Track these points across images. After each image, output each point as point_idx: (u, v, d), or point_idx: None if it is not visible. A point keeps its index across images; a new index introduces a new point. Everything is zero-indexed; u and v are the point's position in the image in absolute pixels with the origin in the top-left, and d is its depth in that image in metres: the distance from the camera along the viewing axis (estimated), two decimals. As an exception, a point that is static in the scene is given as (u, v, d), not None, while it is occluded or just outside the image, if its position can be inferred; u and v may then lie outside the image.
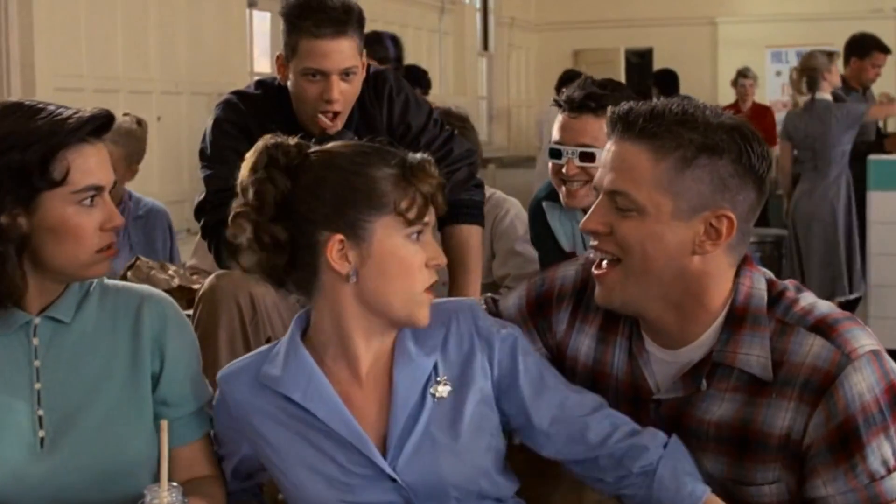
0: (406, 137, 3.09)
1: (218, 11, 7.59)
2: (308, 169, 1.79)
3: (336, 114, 2.96)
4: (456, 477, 1.80)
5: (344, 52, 2.92)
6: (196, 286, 3.70)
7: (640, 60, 13.75)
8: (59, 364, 1.91)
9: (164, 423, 1.72)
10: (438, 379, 1.83)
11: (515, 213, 3.71)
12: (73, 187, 1.84)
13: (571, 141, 2.99)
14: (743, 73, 9.74)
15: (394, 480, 1.79)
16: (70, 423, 1.89)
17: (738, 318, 1.84)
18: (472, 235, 3.22)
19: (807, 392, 1.79)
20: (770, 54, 13.41)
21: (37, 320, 1.91)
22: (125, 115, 4.31)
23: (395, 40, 5.68)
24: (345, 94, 2.95)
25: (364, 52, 3.03)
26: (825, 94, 6.63)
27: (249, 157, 1.81)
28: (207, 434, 2.04)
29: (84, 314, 1.95)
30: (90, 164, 1.86)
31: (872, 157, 6.60)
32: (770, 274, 1.93)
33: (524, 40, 14.16)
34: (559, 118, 3.06)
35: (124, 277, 3.54)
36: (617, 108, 1.86)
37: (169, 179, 6.88)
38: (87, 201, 1.86)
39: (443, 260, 1.82)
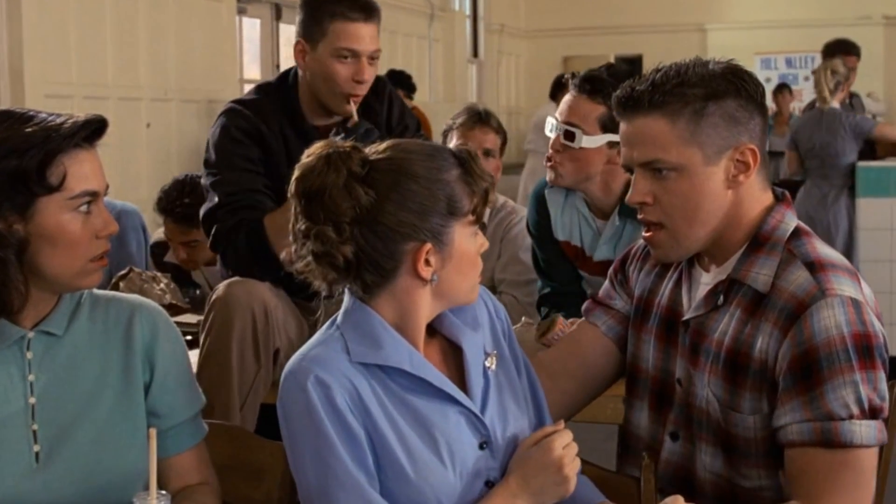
0: (403, 138, 3.13)
1: (207, 19, 7.59)
2: (381, 177, 1.78)
3: (358, 97, 3.07)
4: (523, 435, 1.90)
5: (373, 36, 3.08)
6: (186, 306, 3.71)
7: (629, 67, 13.77)
8: (52, 378, 1.90)
9: (153, 432, 1.71)
10: (488, 352, 1.91)
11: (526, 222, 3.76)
12: (69, 193, 1.83)
13: (561, 116, 3.06)
14: None
15: (484, 445, 1.84)
16: (65, 437, 1.88)
17: (760, 243, 2.00)
18: None
19: (782, 319, 1.91)
20: (759, 61, 13.47)
21: (30, 334, 1.90)
22: None
23: None
24: (371, 77, 3.08)
25: None
26: (835, 104, 6.66)
27: (314, 169, 1.78)
28: (201, 442, 2.03)
29: (76, 326, 1.94)
30: (85, 169, 1.85)
31: (861, 163, 6.61)
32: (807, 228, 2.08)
33: (514, 47, 14.19)
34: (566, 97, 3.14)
35: (116, 287, 3.53)
36: (619, 92, 2.03)
37: (158, 186, 6.85)
38: (83, 207, 1.85)
39: (487, 244, 1.90)
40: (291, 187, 1.81)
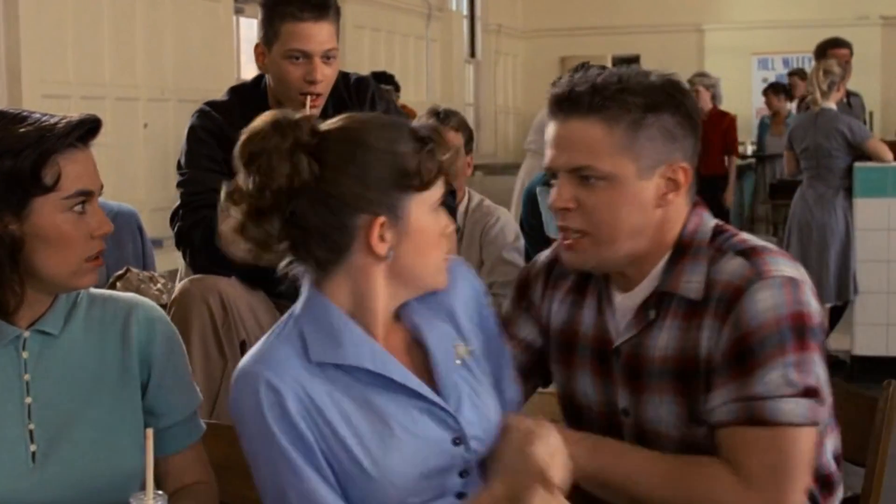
0: None
1: (205, 18, 7.59)
2: (333, 148, 1.73)
3: (317, 96, 3.05)
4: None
5: (325, 35, 3.04)
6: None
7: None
8: (49, 377, 1.90)
9: (149, 432, 1.70)
10: (456, 344, 1.85)
11: (505, 221, 3.77)
12: (64, 193, 1.82)
13: None
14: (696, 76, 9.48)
15: (458, 441, 1.79)
16: (61, 437, 1.88)
17: (682, 250, 1.94)
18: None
19: (720, 308, 1.87)
20: (756, 61, 13.48)
21: (26, 334, 1.89)
22: None
23: None
24: (326, 76, 3.06)
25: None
26: (831, 104, 6.64)
27: (261, 132, 1.73)
28: (199, 441, 2.03)
29: (72, 326, 1.94)
30: (79, 169, 1.85)
31: (858, 164, 6.60)
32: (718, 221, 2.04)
33: (511, 47, 14.19)
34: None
35: (113, 287, 3.53)
36: (557, 91, 1.94)
37: (155, 186, 6.88)
38: (78, 207, 1.85)
39: (452, 226, 1.86)
40: (236, 151, 1.75)
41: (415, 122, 4.03)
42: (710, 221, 1.98)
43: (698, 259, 1.92)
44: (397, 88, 8.71)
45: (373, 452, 1.74)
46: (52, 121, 1.84)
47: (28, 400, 1.88)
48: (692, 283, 1.90)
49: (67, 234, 1.84)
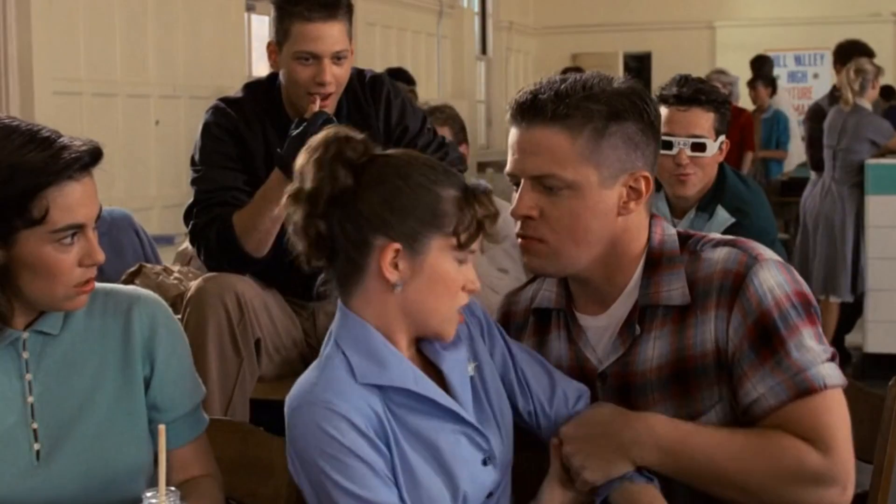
0: (403, 139, 3.16)
1: (216, 15, 7.59)
2: (375, 170, 1.78)
3: (327, 96, 3.03)
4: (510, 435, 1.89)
5: (335, 36, 3.01)
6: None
7: (638, 64, 13.75)
8: (50, 376, 1.90)
9: (162, 428, 1.70)
10: (468, 363, 1.87)
11: (506, 215, 3.79)
12: (51, 227, 1.80)
13: (682, 132, 3.26)
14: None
15: (486, 462, 1.82)
16: (65, 434, 1.88)
17: (655, 261, 1.95)
18: None
19: (722, 296, 1.87)
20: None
21: (25, 335, 1.90)
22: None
23: None
24: (336, 77, 3.04)
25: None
26: (867, 103, 6.63)
27: (315, 144, 1.80)
28: (203, 434, 2.04)
29: (72, 323, 1.94)
30: (71, 202, 1.81)
31: (870, 161, 6.59)
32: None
33: (522, 44, 14.17)
34: (663, 112, 3.25)
35: (129, 284, 3.53)
36: (519, 97, 1.92)
37: (167, 183, 6.88)
38: (67, 240, 1.83)
39: (478, 286, 1.85)
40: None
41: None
42: (671, 229, 1.99)
43: (674, 268, 1.93)
44: (413, 83, 8.73)
45: (417, 480, 1.75)
46: (55, 149, 1.81)
47: (31, 399, 1.89)
48: (673, 290, 1.91)
49: (54, 265, 1.82)
